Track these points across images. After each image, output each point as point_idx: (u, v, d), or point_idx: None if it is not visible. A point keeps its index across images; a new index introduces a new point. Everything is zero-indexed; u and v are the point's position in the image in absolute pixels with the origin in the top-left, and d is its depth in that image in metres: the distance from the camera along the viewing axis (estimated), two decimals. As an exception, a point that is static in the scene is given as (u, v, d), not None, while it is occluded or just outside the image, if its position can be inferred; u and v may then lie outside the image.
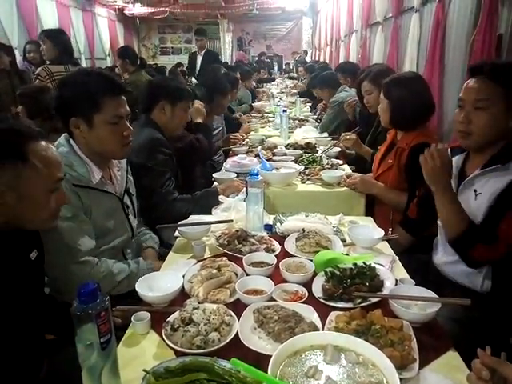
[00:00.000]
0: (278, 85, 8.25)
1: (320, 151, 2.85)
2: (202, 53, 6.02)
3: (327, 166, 2.41)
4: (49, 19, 8.14)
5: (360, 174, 2.05)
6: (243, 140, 3.20)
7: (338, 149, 2.83)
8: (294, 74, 9.54)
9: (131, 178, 1.71)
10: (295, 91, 6.88)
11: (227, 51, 14.21)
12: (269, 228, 1.65)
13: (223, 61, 13.31)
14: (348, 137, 2.63)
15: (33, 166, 1.04)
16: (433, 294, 1.11)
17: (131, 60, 4.35)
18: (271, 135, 3.54)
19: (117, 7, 11.50)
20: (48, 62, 3.56)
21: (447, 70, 2.92)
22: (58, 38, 3.46)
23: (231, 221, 1.61)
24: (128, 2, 10.34)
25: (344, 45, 7.23)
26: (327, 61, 8.95)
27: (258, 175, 1.56)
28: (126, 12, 12.27)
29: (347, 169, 2.50)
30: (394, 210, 1.98)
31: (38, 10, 7.84)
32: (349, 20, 6.59)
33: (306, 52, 12.74)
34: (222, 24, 13.84)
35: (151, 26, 14.50)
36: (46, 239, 1.32)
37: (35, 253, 1.19)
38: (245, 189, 1.68)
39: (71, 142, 1.46)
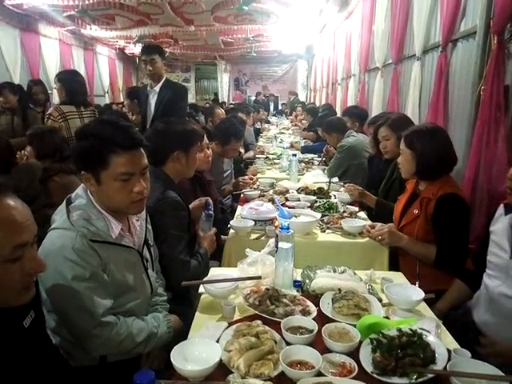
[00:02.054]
0: (277, 125, 8.35)
1: (333, 197, 2.81)
2: (158, 86, 3.46)
3: (346, 215, 2.35)
4: (51, 57, 8.28)
5: (387, 225, 1.98)
6: (253, 183, 3.16)
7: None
8: (292, 117, 9.70)
9: (150, 227, 1.62)
10: (298, 130, 6.99)
11: (224, 91, 14.54)
12: (298, 285, 1.56)
13: (220, 100, 13.64)
14: (352, 188, 2.61)
15: None
16: (497, 371, 1.02)
17: (139, 101, 4.39)
18: (280, 178, 3.50)
19: (118, 47, 11.77)
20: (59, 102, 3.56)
21: (452, 118, 2.95)
22: (71, 81, 3.46)
23: (259, 277, 1.52)
24: (129, 42, 10.58)
25: (341, 88, 7.39)
26: (323, 103, 9.17)
27: (288, 229, 1.49)
28: (127, 51, 12.56)
29: (365, 217, 2.45)
30: (420, 262, 1.92)
31: (42, 48, 7.98)
32: (347, 64, 6.71)
33: (296, 94, 13.09)
34: (220, 65, 14.24)
35: (150, 65, 14.81)
36: (64, 300, 1.24)
37: (30, 317, 1.01)
38: (273, 242, 1.60)
39: (89, 193, 1.36)
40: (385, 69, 4.66)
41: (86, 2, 6.08)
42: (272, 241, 1.65)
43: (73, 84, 3.43)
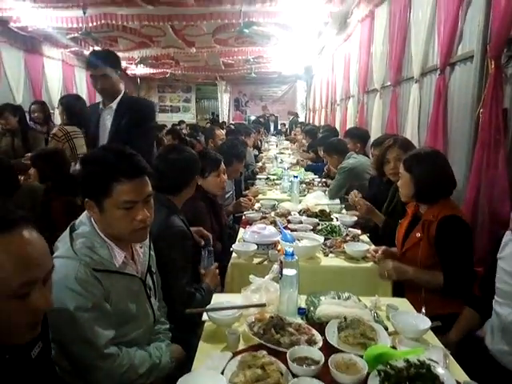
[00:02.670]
0: (276, 145, 8.40)
1: (335, 219, 2.81)
2: (115, 103, 2.67)
3: (349, 238, 2.34)
4: (54, 77, 8.40)
5: (391, 262, 1.93)
6: (253, 204, 3.15)
7: (355, 218, 2.78)
8: (291, 136, 9.80)
9: (153, 253, 1.60)
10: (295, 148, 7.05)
11: (224, 111, 14.70)
12: (303, 312, 1.54)
13: (220, 120, 13.78)
14: (362, 203, 2.60)
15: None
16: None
17: None
18: (281, 199, 3.51)
19: (120, 67, 11.93)
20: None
21: (451, 140, 2.97)
22: (72, 105, 3.51)
23: (264, 305, 1.50)
24: (131, 63, 10.74)
25: (340, 108, 7.45)
26: (322, 123, 9.25)
27: (293, 255, 1.48)
28: (128, 72, 12.74)
29: (367, 240, 2.44)
30: (425, 288, 1.90)
31: (45, 69, 8.10)
32: (345, 85, 6.75)
33: (296, 114, 13.24)
34: (221, 85, 14.43)
35: (151, 85, 15.05)
36: (65, 331, 1.21)
37: (38, 347, 0.98)
38: (277, 268, 1.59)
39: (92, 220, 1.35)
40: (383, 90, 4.70)
41: (90, 25, 6.19)
42: (276, 266, 1.63)
43: (74, 108, 3.48)
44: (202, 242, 2.00)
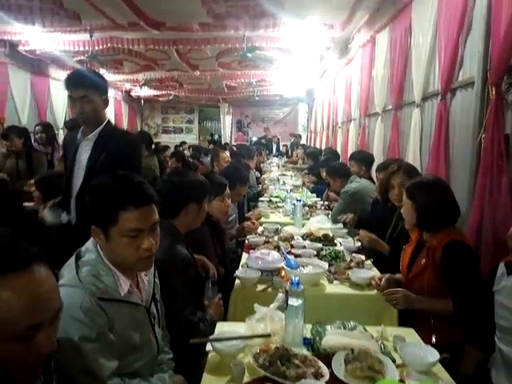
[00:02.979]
0: (278, 167, 8.44)
1: (339, 244, 2.79)
2: (94, 134, 2.25)
3: (353, 264, 2.33)
4: (59, 99, 8.52)
5: (401, 290, 1.89)
6: (257, 228, 3.14)
7: (359, 243, 2.77)
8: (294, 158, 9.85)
9: (157, 281, 1.58)
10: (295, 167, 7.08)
11: (227, 132, 14.85)
12: (308, 342, 1.52)
13: (223, 141, 13.90)
14: (364, 234, 2.60)
15: (15, 308, 0.75)
16: None
17: (146, 146, 4.49)
18: (284, 222, 3.50)
19: (124, 89, 12.14)
20: None
21: (453, 165, 2.97)
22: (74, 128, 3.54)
23: (269, 335, 1.47)
24: (136, 85, 10.92)
25: (342, 131, 7.50)
26: (324, 146, 9.32)
27: (299, 284, 1.47)
28: (133, 94, 12.95)
29: (372, 266, 2.43)
30: (434, 315, 1.87)
31: (50, 90, 8.22)
32: (347, 108, 6.80)
33: (300, 136, 13.37)
34: (223, 107, 14.63)
35: (155, 107, 15.26)
36: (69, 361, 1.18)
37: (40, 381, 0.92)
38: (281, 296, 1.57)
39: (98, 248, 1.34)
40: (385, 114, 4.73)
41: (96, 48, 6.33)
42: (281, 295, 1.62)
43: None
44: (203, 275, 1.98)
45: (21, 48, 6.70)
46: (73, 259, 1.34)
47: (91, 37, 5.98)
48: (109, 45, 6.26)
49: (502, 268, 1.56)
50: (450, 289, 1.82)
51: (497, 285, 1.56)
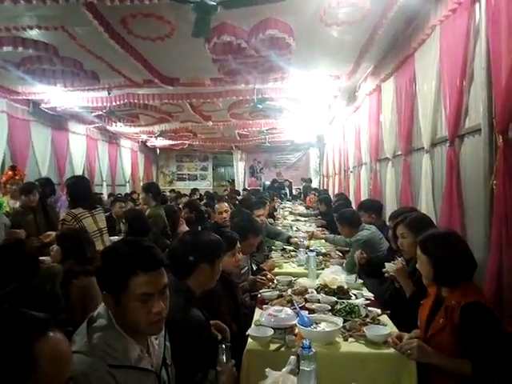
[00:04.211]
0: (291, 212, 8.43)
1: (353, 296, 2.73)
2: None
3: (368, 320, 2.25)
4: (77, 151, 8.88)
5: (417, 340, 1.85)
6: (270, 281, 3.09)
7: (371, 295, 2.70)
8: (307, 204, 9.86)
9: (168, 344, 1.56)
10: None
11: (240, 177, 15.09)
12: (323, 411, 1.45)
13: (236, 186, 14.09)
14: (399, 262, 2.51)
15: (40, 372, 0.80)
16: None
17: (154, 196, 4.58)
18: (298, 273, 3.44)
19: (140, 140, 12.58)
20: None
21: (467, 212, 2.93)
22: (76, 187, 3.60)
23: (282, 403, 1.42)
24: (151, 136, 11.32)
25: (354, 175, 7.52)
26: (336, 189, 9.35)
27: (310, 348, 1.42)
28: (148, 144, 13.39)
29: (388, 320, 2.34)
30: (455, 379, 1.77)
31: (69, 143, 8.58)
32: (357, 153, 6.88)
33: (310, 180, 13.46)
34: (236, 154, 14.97)
35: (170, 155, 15.70)
36: None
37: None
38: (294, 359, 1.52)
39: (110, 313, 1.35)
40: (395, 159, 4.76)
41: (114, 104, 6.65)
42: (293, 358, 1.57)
43: (78, 191, 3.55)
44: (219, 337, 1.93)
45: (43, 106, 7.10)
46: (85, 325, 1.34)
47: (109, 94, 6.33)
48: (125, 100, 6.60)
49: None
50: (468, 352, 1.73)
51: None
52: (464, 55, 2.82)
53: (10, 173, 5.10)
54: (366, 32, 4.17)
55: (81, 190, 3.57)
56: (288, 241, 4.55)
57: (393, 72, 4.57)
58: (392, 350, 1.97)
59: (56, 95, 6.47)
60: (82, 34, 4.07)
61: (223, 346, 1.69)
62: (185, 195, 9.18)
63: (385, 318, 2.38)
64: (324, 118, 9.51)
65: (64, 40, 4.17)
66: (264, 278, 3.04)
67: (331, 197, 7.87)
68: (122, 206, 5.76)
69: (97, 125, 9.22)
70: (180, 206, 6.07)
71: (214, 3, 2.88)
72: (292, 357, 1.59)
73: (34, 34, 4.06)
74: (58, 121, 8.07)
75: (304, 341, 1.46)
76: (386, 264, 2.69)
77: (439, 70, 3.26)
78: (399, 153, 4.53)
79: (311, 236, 4.60)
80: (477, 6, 2.67)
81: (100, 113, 7.85)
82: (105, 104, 6.72)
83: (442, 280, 1.92)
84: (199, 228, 4.22)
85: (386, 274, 2.64)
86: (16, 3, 3.19)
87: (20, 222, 3.90)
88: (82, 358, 1.23)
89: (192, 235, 2.00)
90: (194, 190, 10.05)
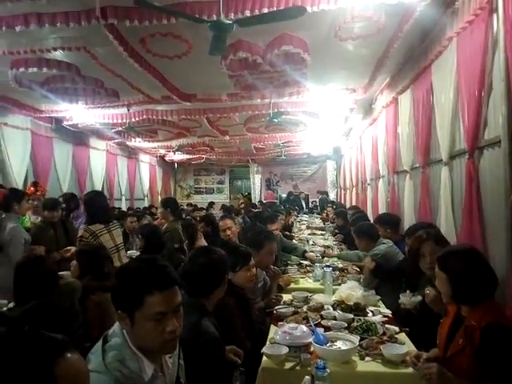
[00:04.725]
0: (308, 226, 8.36)
1: (370, 313, 2.67)
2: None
3: (385, 338, 2.20)
4: (98, 166, 9.05)
5: (436, 365, 1.76)
6: (278, 302, 3.05)
7: (388, 311, 2.64)
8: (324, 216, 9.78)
9: (182, 362, 1.55)
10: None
11: (256, 190, 15.12)
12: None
13: (253, 199, 14.09)
14: (432, 293, 2.43)
15: None
16: None
17: (172, 211, 4.64)
18: (314, 288, 3.40)
19: (158, 154, 12.78)
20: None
21: (488, 225, 2.84)
22: (93, 202, 3.64)
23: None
24: (169, 151, 11.49)
25: (371, 188, 7.42)
26: (354, 202, 9.24)
27: (325, 369, 1.40)
28: (167, 158, 13.59)
29: (405, 338, 2.28)
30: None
31: (90, 159, 8.77)
32: (374, 165, 6.80)
33: (326, 193, 13.36)
34: (252, 167, 15.04)
35: (187, 169, 15.90)
36: None
37: None
38: (308, 379, 1.49)
39: (124, 332, 1.35)
40: (413, 172, 4.68)
41: (133, 120, 6.81)
42: (307, 378, 1.54)
43: (95, 206, 3.60)
44: (239, 361, 1.92)
45: (65, 123, 7.32)
46: (100, 344, 1.35)
47: (128, 110, 6.49)
48: (144, 116, 6.75)
49: None
50: (488, 376, 1.66)
51: None
52: (482, 66, 2.78)
53: (32, 188, 5.23)
54: (382, 45, 4.17)
55: (97, 204, 3.62)
56: (303, 255, 4.50)
57: (409, 84, 4.54)
58: (409, 370, 1.92)
59: (78, 112, 6.66)
60: (103, 54, 4.21)
61: (238, 370, 1.67)
62: (202, 209, 9.23)
63: (402, 336, 2.32)
64: (340, 131, 9.48)
65: (86, 60, 4.31)
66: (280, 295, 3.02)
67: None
68: (133, 221, 5.84)
69: (116, 140, 9.43)
70: (197, 219, 6.11)
71: (230, 22, 2.94)
72: (307, 377, 1.56)
73: (57, 54, 4.21)
74: (79, 137, 8.30)
75: (318, 361, 1.44)
76: (400, 296, 2.64)
77: (457, 81, 3.21)
78: (417, 165, 4.46)
79: (323, 256, 4.53)
80: (494, 16, 2.64)
81: (120, 129, 8.03)
82: (124, 120, 6.88)
83: (461, 298, 1.85)
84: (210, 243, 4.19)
85: (402, 306, 2.59)
86: (41, 27, 3.33)
87: (41, 237, 3.96)
88: (97, 376, 1.24)
89: (204, 256, 2.01)
90: (211, 204, 10.10)
